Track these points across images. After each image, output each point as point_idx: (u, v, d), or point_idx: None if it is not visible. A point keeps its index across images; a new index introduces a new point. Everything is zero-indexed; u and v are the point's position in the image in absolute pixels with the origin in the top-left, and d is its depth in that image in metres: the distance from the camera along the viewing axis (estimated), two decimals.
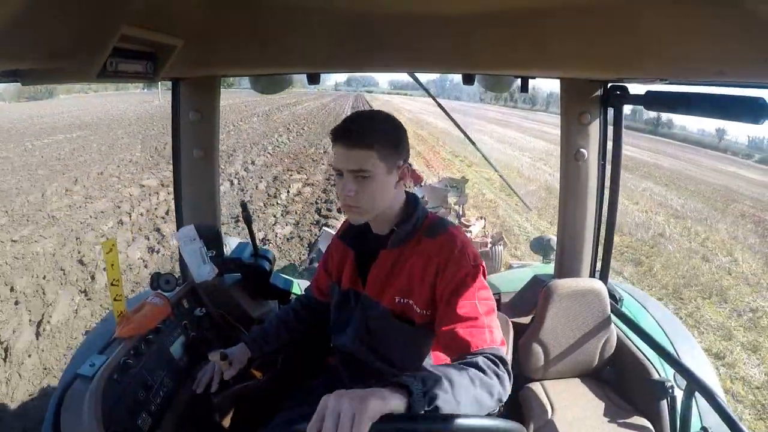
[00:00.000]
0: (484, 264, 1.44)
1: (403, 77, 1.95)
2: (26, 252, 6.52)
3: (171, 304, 1.82)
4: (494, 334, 1.31)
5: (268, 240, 7.38)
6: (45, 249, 6.62)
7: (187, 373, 1.76)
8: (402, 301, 1.47)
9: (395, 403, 0.98)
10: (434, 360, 1.53)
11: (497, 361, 1.23)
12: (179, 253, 2.05)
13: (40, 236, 7.17)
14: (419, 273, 1.43)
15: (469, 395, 1.11)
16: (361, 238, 1.59)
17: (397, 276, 1.48)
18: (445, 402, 1.04)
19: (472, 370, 1.16)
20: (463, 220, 6.89)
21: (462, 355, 1.26)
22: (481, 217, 7.11)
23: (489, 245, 6.22)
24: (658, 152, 26.60)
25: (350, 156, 1.34)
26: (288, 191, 10.30)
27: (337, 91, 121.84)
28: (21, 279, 5.60)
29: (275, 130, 22.21)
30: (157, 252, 6.67)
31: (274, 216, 8.55)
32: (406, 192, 1.53)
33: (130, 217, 8.35)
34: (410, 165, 1.50)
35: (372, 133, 1.35)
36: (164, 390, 1.62)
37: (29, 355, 4.15)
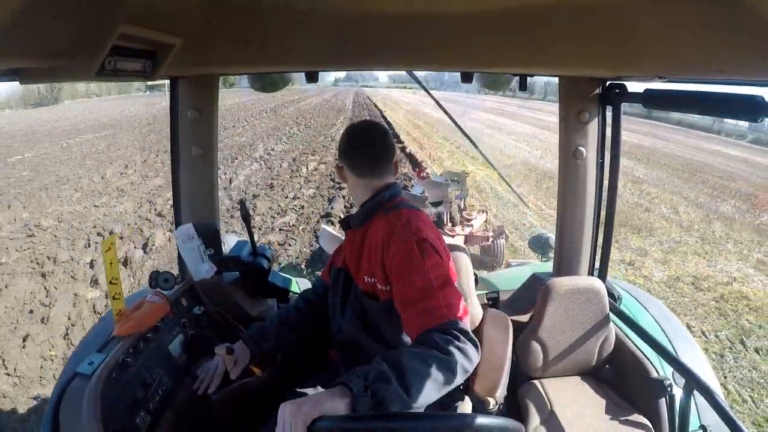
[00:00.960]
0: (432, 237, 1.45)
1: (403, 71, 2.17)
2: (111, 212, 8.55)
3: (170, 302, 1.82)
4: (452, 308, 1.30)
5: (297, 197, 9.63)
6: (126, 209, 8.69)
7: (185, 371, 1.76)
8: (369, 280, 1.52)
9: (335, 404, 1.02)
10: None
11: (457, 334, 1.23)
12: (177, 251, 2.05)
13: (117, 202, 9.27)
14: (375, 250, 1.49)
15: (423, 379, 1.12)
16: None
17: (362, 256, 1.55)
18: (390, 393, 1.06)
19: (427, 351, 1.17)
20: (464, 213, 6.92)
21: (419, 335, 1.27)
22: (483, 211, 7.20)
23: (491, 239, 6.33)
24: (647, 134, 26.95)
25: None
26: (307, 168, 12.67)
27: (337, 86, 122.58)
28: (116, 226, 7.59)
29: (285, 124, 24.20)
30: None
31: (299, 183, 10.73)
32: (388, 183, 1.61)
33: None
34: (397, 161, 1.63)
35: None
36: (163, 388, 1.62)
37: (144, 263, 6.22)
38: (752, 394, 4.18)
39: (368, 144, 1.60)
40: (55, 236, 7.34)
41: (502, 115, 35.06)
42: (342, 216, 6.01)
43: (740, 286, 6.64)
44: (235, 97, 49.73)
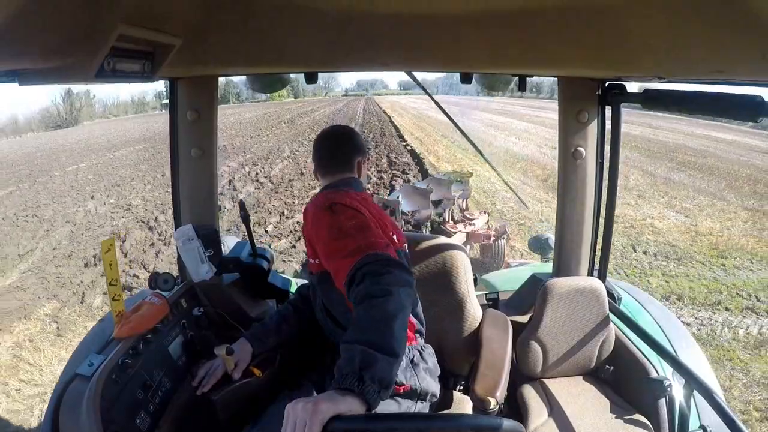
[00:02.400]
0: (348, 201, 1.52)
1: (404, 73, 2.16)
2: None
3: (169, 303, 1.82)
4: (371, 245, 1.33)
5: None
6: None
7: (185, 372, 1.77)
8: (313, 261, 1.59)
9: (349, 403, 1.00)
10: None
11: (378, 267, 1.24)
12: (177, 252, 2.04)
13: None
14: (307, 229, 1.58)
15: (388, 329, 1.11)
16: None
17: (305, 239, 1.64)
18: (381, 365, 1.04)
19: (367, 308, 1.15)
20: (466, 213, 6.89)
21: (347, 284, 1.29)
22: (485, 212, 7.17)
23: (492, 239, 6.29)
24: (641, 124, 27.34)
25: None
26: None
27: (347, 96, 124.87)
28: None
29: (303, 132, 27.24)
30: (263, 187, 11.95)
31: None
32: (345, 177, 1.73)
33: (241, 173, 13.84)
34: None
35: None
36: (163, 390, 1.63)
37: (221, 217, 8.02)
38: (627, 271, 6.33)
39: (326, 148, 1.77)
40: (146, 209, 10.13)
41: (503, 114, 36.62)
42: None
43: (653, 221, 8.46)
44: (252, 110, 52.63)
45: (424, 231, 6.70)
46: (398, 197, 6.45)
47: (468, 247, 6.51)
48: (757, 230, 8.34)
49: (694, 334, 4.46)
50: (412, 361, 1.62)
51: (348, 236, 1.37)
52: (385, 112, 39.38)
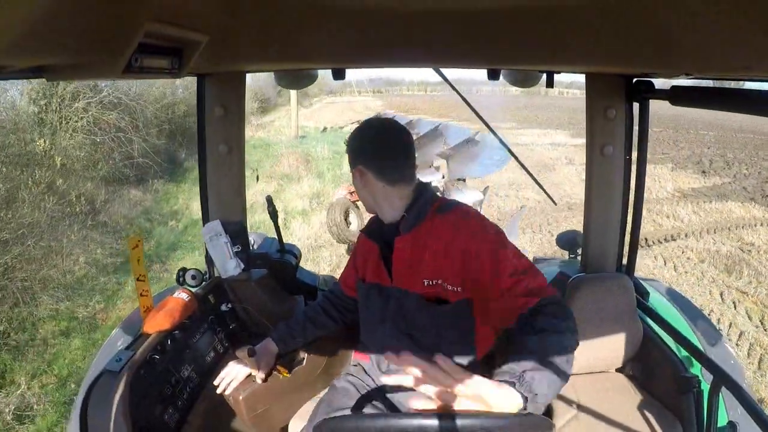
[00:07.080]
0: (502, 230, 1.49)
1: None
2: None
3: (197, 299, 1.82)
4: (542, 287, 1.36)
5: None
6: None
7: (213, 368, 1.77)
8: (432, 282, 1.48)
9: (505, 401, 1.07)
10: (478, 336, 1.54)
11: (555, 308, 1.31)
12: (205, 248, 2.04)
13: None
14: (442, 252, 1.45)
15: (555, 360, 1.17)
16: (380, 232, 1.62)
17: (421, 259, 1.49)
18: (541, 385, 1.11)
19: (545, 337, 1.21)
20: None
21: (521, 316, 1.32)
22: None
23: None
24: None
25: None
26: None
27: None
28: None
29: None
30: None
31: None
32: (419, 183, 1.58)
33: None
34: (364, 169, 1.47)
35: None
36: (191, 385, 1.64)
37: None
38: None
39: (398, 147, 1.53)
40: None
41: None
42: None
43: None
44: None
45: None
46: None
47: None
48: None
49: None
50: None
51: (523, 275, 1.40)
52: None
